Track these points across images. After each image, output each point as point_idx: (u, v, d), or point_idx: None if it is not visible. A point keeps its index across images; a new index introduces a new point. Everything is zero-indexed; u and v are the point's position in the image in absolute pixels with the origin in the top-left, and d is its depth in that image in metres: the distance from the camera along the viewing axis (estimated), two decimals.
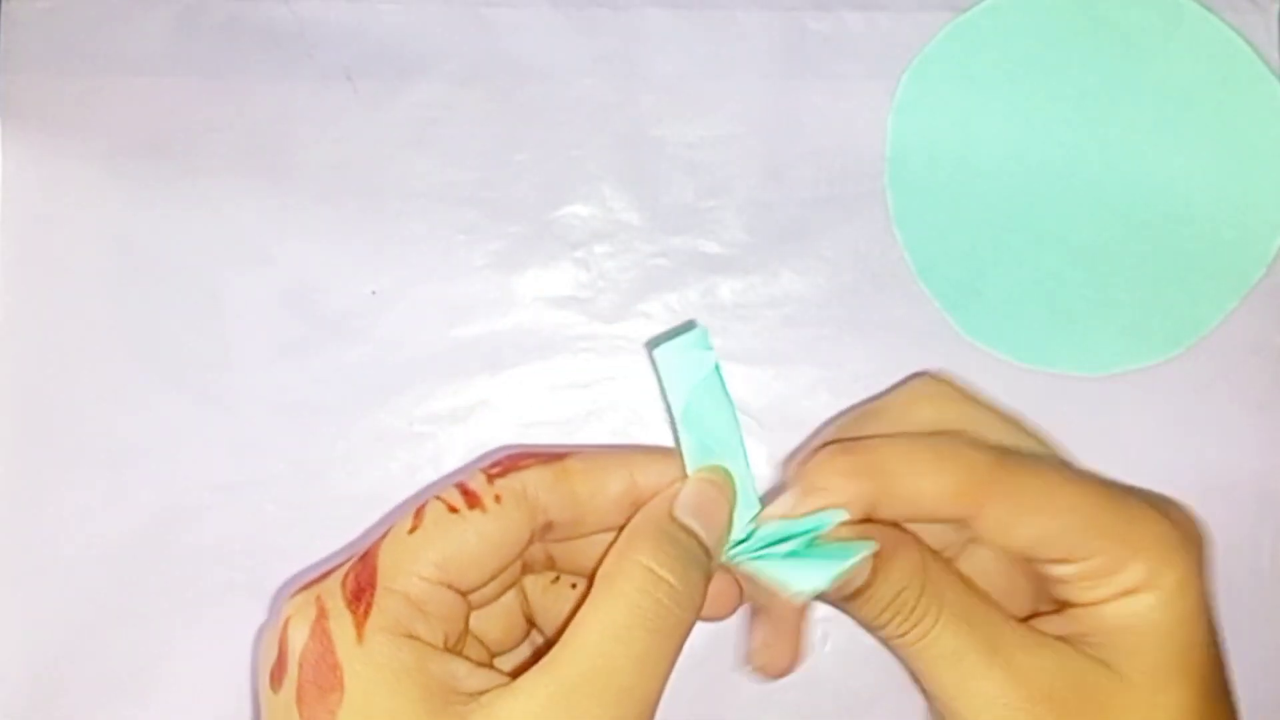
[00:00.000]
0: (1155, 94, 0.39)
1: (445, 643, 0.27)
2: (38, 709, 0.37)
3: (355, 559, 0.28)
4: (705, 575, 0.27)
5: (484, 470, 0.29)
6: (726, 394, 0.29)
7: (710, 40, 0.39)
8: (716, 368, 0.29)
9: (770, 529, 0.29)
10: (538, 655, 0.28)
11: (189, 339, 0.39)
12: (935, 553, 0.29)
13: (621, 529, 0.29)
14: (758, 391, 0.39)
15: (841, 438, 0.30)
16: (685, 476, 0.29)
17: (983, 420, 0.31)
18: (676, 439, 0.29)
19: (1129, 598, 0.27)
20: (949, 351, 0.38)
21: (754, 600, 0.31)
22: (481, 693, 0.26)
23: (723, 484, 0.29)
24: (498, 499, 0.28)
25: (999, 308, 0.39)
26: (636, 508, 0.29)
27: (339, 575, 0.28)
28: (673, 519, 0.28)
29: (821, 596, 0.28)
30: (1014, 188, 0.39)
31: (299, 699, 0.26)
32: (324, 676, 0.26)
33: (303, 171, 0.39)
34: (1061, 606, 0.29)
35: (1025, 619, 0.29)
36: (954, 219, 0.39)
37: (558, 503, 0.28)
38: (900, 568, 0.28)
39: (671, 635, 0.26)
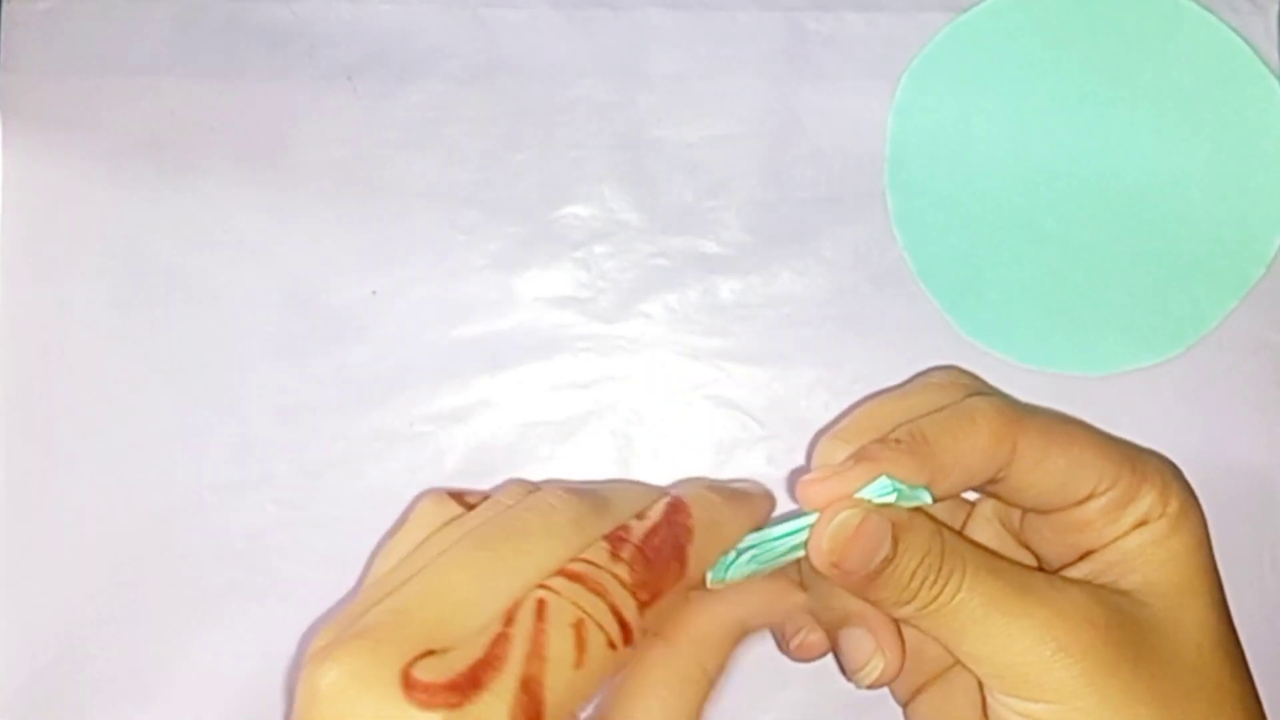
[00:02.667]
0: (1155, 94, 0.39)
1: None
2: (38, 709, 0.37)
3: (518, 685, 0.24)
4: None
5: (633, 592, 0.26)
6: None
7: (710, 40, 0.39)
8: None
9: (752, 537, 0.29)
10: None
11: (189, 339, 0.39)
12: (941, 523, 0.29)
13: None
14: (758, 391, 0.39)
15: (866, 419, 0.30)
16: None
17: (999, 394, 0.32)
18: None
19: (1142, 528, 0.29)
20: (949, 351, 0.38)
21: (831, 621, 0.31)
22: None
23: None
24: (645, 633, 0.27)
25: (999, 308, 0.39)
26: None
27: (494, 705, 0.23)
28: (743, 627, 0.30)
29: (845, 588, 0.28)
30: (1014, 188, 0.39)
31: None
32: None
33: (303, 171, 0.39)
34: (1076, 559, 0.30)
35: None
36: (954, 219, 0.39)
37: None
38: (918, 535, 0.28)
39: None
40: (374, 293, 0.39)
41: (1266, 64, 0.39)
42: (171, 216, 0.39)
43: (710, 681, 0.30)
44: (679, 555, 0.28)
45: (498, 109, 0.39)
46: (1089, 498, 0.29)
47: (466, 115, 0.39)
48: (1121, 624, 0.28)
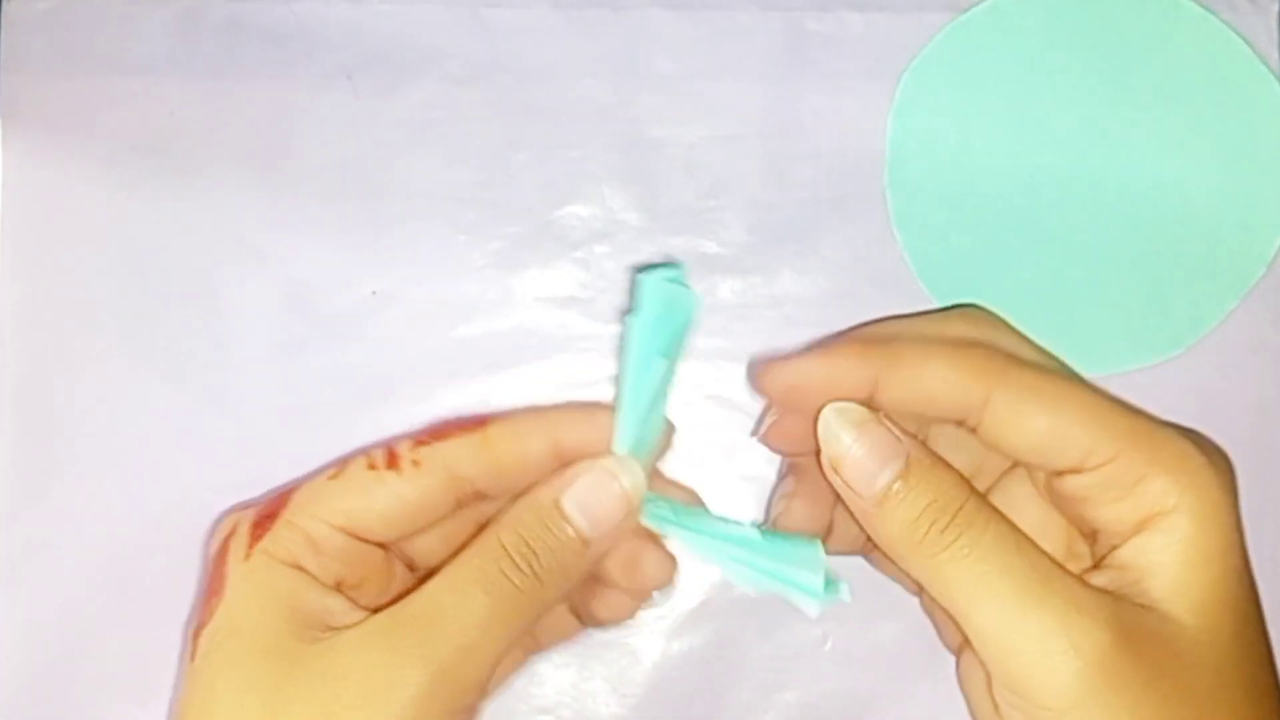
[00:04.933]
0: (1155, 94, 0.39)
1: (339, 583, 0.29)
2: (38, 709, 0.37)
3: (278, 492, 0.30)
4: (574, 560, 0.28)
5: (415, 436, 0.30)
6: (675, 356, 0.29)
7: (710, 40, 0.39)
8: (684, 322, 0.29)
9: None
10: None
11: (189, 339, 0.39)
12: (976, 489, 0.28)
13: None
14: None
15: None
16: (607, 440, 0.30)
17: (1015, 343, 0.30)
18: (621, 386, 0.29)
19: (1159, 525, 0.27)
20: None
21: (790, 453, 0.31)
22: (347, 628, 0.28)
23: (626, 478, 0.29)
24: (415, 464, 0.29)
25: (999, 308, 0.39)
26: (563, 463, 0.30)
27: (260, 503, 0.30)
28: (556, 506, 0.28)
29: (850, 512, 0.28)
30: (1014, 188, 0.39)
31: (199, 596, 0.30)
32: (215, 583, 0.29)
33: (303, 171, 0.39)
34: (1098, 561, 0.28)
35: None
36: (954, 219, 0.39)
37: (482, 471, 0.30)
38: (936, 472, 0.27)
39: (514, 606, 0.27)
40: (374, 293, 0.39)
41: (1266, 64, 0.39)
42: (171, 216, 0.39)
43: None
44: (483, 417, 0.30)
45: (498, 109, 0.39)
46: (1079, 469, 0.28)
47: (466, 115, 0.39)
48: (1142, 639, 0.26)
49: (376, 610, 0.28)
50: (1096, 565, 0.28)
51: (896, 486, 0.27)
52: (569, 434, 0.30)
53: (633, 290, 0.29)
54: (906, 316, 0.32)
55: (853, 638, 0.37)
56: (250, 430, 0.38)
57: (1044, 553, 0.27)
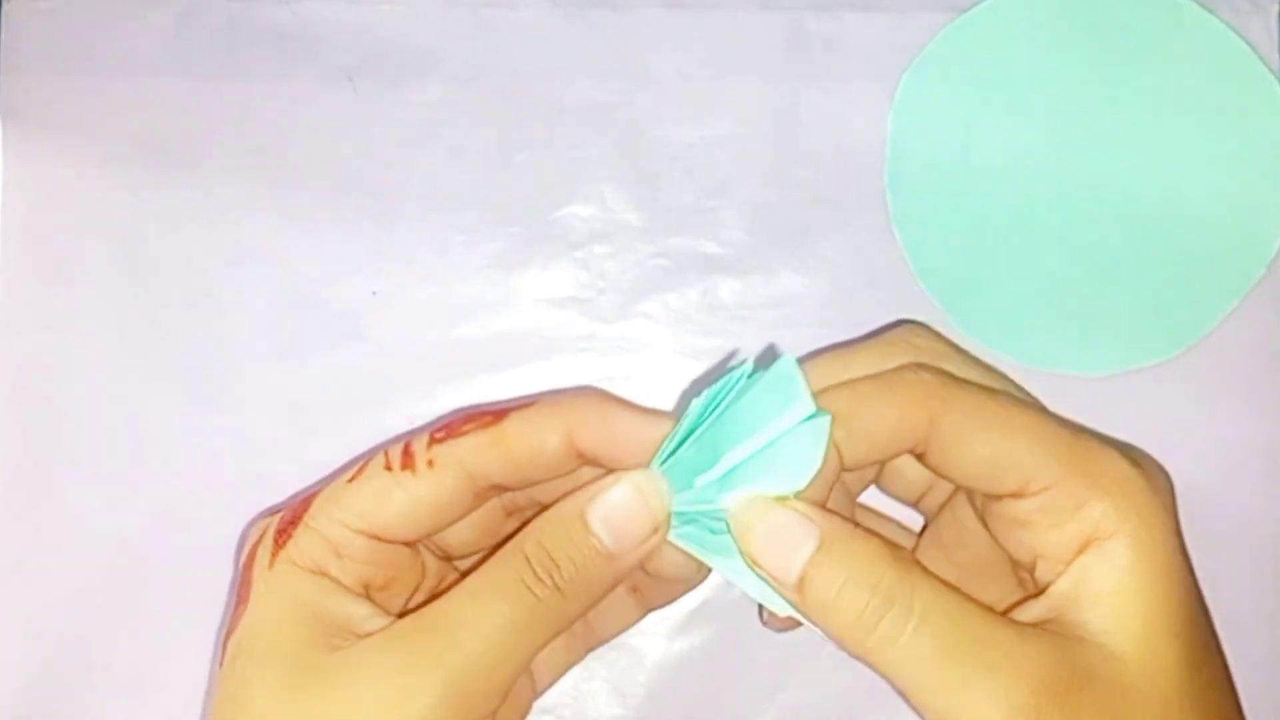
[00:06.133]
0: (1155, 94, 0.39)
1: (364, 586, 0.29)
2: (37, 709, 0.37)
3: (302, 496, 0.30)
4: (599, 576, 0.28)
5: (431, 433, 0.30)
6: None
7: (710, 40, 0.39)
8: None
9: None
10: None
11: (189, 339, 0.39)
12: (903, 549, 0.27)
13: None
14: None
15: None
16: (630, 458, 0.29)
17: (957, 362, 0.30)
18: (684, 423, 0.28)
19: (1098, 552, 0.26)
20: None
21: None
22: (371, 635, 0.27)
23: (654, 496, 0.28)
24: (430, 464, 0.29)
25: (999, 308, 0.39)
26: (580, 457, 0.29)
27: (287, 508, 0.30)
28: (581, 519, 0.28)
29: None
30: (1014, 188, 0.39)
31: (230, 604, 0.30)
32: (242, 590, 0.29)
33: (303, 171, 0.39)
34: (1041, 588, 0.28)
35: (1006, 611, 0.28)
36: (954, 219, 0.39)
37: (498, 467, 0.29)
38: (860, 545, 0.26)
39: (536, 619, 0.27)
40: (374, 293, 0.39)
41: (1266, 64, 0.39)
42: (171, 216, 0.39)
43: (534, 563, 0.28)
44: (497, 410, 0.30)
45: (498, 109, 0.39)
46: (1020, 494, 0.27)
47: (466, 115, 0.39)
48: (1083, 678, 0.25)
49: (404, 612, 0.28)
50: (1038, 594, 0.28)
51: (811, 571, 0.26)
52: (584, 428, 0.29)
53: (772, 357, 0.28)
54: (841, 351, 0.31)
55: None
56: (250, 430, 0.38)
57: (974, 604, 0.26)
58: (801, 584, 0.27)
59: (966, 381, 0.29)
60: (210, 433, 0.38)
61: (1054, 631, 0.26)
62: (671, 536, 0.29)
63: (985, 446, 0.27)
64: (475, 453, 0.29)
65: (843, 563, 0.26)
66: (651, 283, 0.39)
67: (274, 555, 0.29)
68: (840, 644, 0.27)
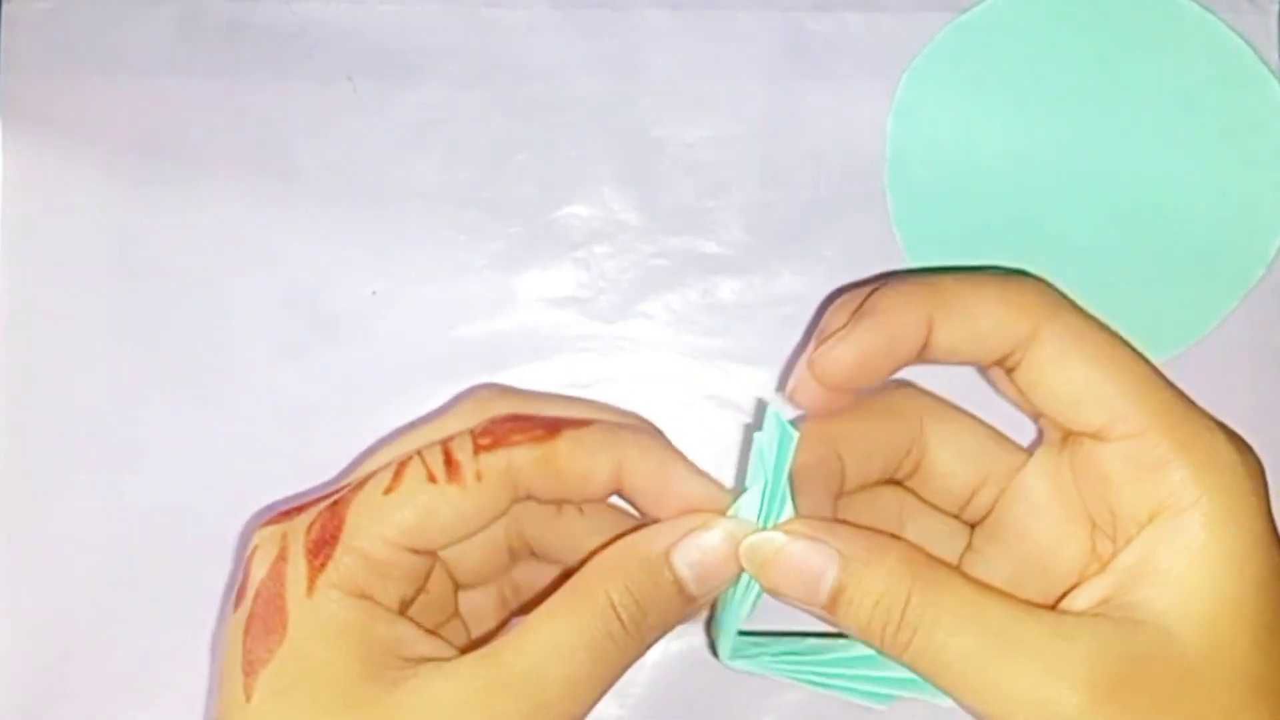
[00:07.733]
0: (1155, 94, 0.39)
1: (401, 603, 0.28)
2: (38, 709, 0.37)
3: (326, 506, 0.28)
4: (675, 618, 0.27)
5: (474, 437, 0.28)
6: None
7: (710, 40, 0.39)
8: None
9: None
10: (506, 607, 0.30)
11: (189, 339, 0.39)
12: (927, 553, 0.27)
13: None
14: (757, 391, 0.39)
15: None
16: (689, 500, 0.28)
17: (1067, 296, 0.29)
18: (747, 477, 0.28)
19: (1170, 525, 0.25)
20: None
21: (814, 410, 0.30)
22: (422, 660, 0.26)
23: (743, 545, 0.27)
24: (479, 476, 0.28)
25: None
26: (619, 489, 0.29)
27: (307, 518, 0.28)
28: (666, 560, 0.27)
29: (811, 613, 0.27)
30: (1014, 188, 0.39)
31: (247, 629, 0.27)
32: (271, 617, 0.26)
33: (303, 172, 0.39)
34: (1104, 563, 0.27)
35: (1065, 592, 0.27)
36: (954, 219, 0.39)
37: (543, 485, 0.28)
38: (880, 559, 0.26)
39: (614, 665, 0.26)
40: (374, 293, 0.39)
41: (1266, 64, 0.39)
42: (171, 216, 0.39)
43: (613, 606, 0.26)
44: (548, 424, 0.28)
45: (498, 109, 0.39)
46: (1101, 436, 0.26)
47: (466, 115, 0.39)
48: (1137, 666, 0.24)
49: (428, 627, 0.27)
50: (1101, 569, 0.27)
51: (839, 596, 0.26)
52: (638, 468, 0.28)
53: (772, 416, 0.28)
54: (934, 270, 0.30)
55: None
56: (251, 430, 0.38)
57: (1010, 602, 0.26)
58: (832, 607, 0.26)
59: (1079, 307, 0.28)
60: (210, 433, 0.38)
61: (1108, 615, 0.25)
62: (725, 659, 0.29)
63: (1080, 370, 0.26)
64: (524, 466, 0.28)
65: (869, 581, 0.26)
66: (651, 283, 0.39)
67: (311, 580, 0.27)
68: (880, 649, 0.27)
